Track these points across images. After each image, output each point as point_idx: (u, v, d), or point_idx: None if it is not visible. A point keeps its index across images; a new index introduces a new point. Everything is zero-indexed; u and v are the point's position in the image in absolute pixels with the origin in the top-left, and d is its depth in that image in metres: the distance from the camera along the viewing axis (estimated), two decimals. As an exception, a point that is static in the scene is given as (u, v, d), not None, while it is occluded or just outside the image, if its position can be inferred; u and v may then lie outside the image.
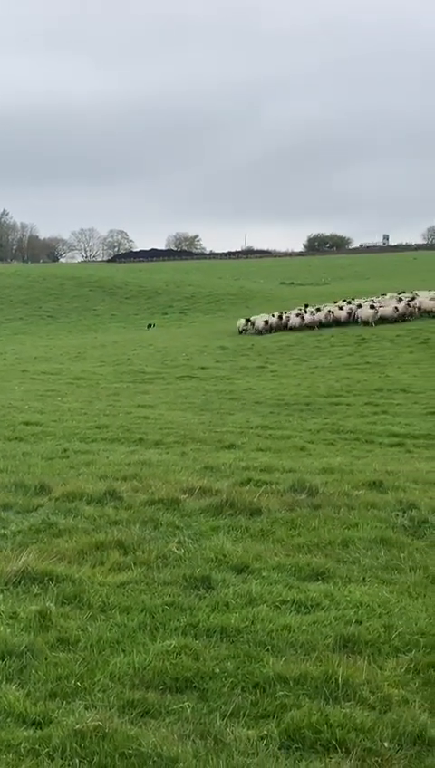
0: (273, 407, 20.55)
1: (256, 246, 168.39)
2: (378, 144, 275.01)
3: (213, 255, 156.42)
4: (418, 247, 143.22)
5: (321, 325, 41.78)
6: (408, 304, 41.47)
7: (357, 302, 45.88)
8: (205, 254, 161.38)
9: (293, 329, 42.45)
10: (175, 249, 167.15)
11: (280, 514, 8.66)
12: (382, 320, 40.29)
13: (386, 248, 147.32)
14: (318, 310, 44.10)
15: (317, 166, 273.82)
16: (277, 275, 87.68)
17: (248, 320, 45.07)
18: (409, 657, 5.36)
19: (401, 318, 40.30)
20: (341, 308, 43.27)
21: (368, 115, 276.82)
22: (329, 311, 42.98)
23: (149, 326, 55.72)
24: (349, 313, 42.04)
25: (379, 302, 43.84)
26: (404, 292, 48.17)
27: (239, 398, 22.49)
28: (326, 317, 42.29)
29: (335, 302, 47.50)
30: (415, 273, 79.42)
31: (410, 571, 6.95)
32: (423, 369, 28.24)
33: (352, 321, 41.39)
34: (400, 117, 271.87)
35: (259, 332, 43.06)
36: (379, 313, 40.49)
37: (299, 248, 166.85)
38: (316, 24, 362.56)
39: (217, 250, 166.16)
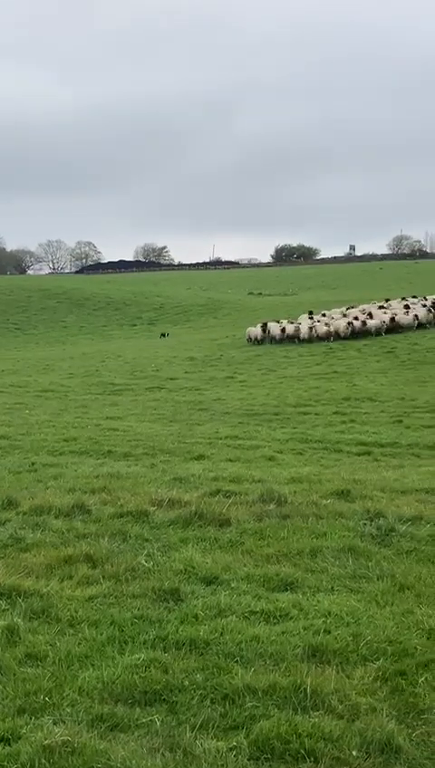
0: (242, 417, 20.60)
1: (225, 257, 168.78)
2: (345, 154, 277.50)
3: (181, 266, 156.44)
4: (383, 257, 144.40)
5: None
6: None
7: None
8: (173, 265, 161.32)
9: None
10: (143, 260, 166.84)
11: (249, 525, 8.68)
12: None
13: (352, 258, 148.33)
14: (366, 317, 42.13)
15: (284, 176, 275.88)
16: (246, 286, 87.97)
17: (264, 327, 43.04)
18: (377, 665, 5.40)
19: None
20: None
21: (336, 125, 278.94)
22: (382, 321, 41.23)
23: (163, 335, 54.47)
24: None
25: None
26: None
27: (208, 408, 22.51)
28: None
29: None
30: (381, 282, 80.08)
31: (378, 579, 7.00)
32: (390, 378, 28.52)
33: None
34: (367, 127, 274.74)
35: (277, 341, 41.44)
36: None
37: (267, 259, 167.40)
38: (285, 33, 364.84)
39: (186, 261, 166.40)
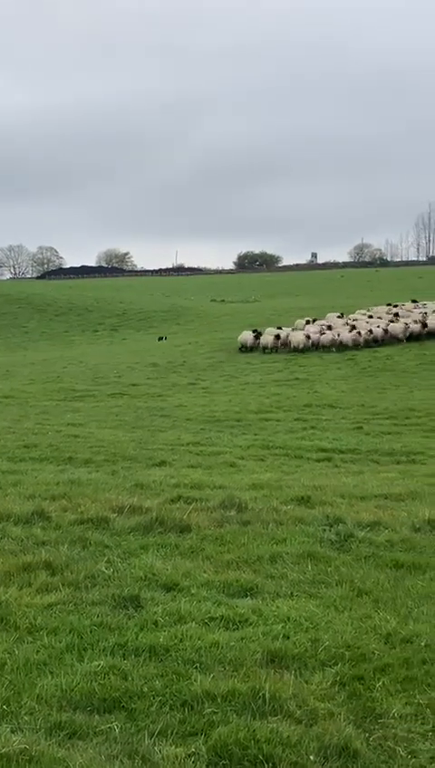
0: (204, 423, 20.62)
1: (187, 264, 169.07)
2: (306, 162, 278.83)
3: (144, 272, 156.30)
4: (345, 265, 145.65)
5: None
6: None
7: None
8: (136, 271, 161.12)
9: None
10: (106, 266, 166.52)
11: (209, 531, 8.70)
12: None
13: (314, 266, 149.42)
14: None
15: (246, 183, 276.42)
16: (208, 292, 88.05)
17: (278, 335, 40.43)
18: (335, 670, 5.44)
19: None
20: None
21: (297, 133, 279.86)
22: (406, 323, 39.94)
23: (160, 339, 53.11)
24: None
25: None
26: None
27: (170, 414, 22.50)
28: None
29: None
30: (342, 290, 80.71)
31: (337, 584, 7.05)
32: (350, 385, 28.76)
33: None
34: (328, 136, 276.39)
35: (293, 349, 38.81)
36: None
37: (230, 266, 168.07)
38: (246, 42, 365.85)
39: (148, 267, 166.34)
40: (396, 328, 39.99)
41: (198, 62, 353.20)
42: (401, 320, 41.70)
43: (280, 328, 42.39)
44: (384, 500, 10.36)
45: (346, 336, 38.94)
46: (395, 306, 47.65)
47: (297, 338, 39.60)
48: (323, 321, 44.25)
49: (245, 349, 41.39)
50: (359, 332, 38.88)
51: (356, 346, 38.17)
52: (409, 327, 39.81)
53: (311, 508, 9.67)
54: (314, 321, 44.78)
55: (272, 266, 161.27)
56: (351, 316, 45.62)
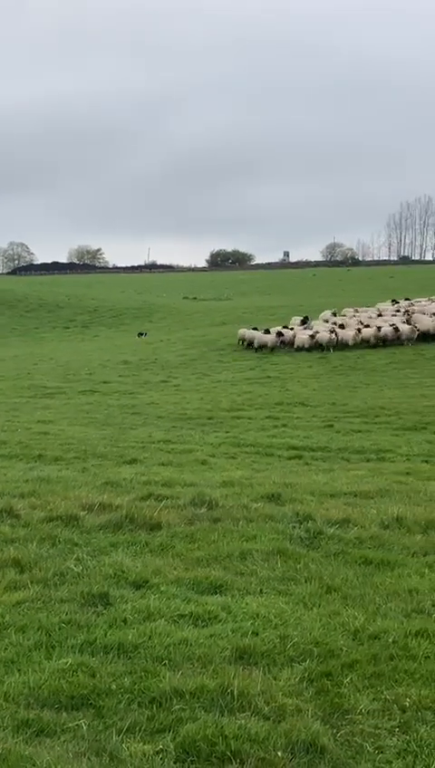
0: (175, 421, 20.63)
1: (160, 261, 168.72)
2: (279, 161, 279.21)
3: (116, 269, 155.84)
4: (317, 264, 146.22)
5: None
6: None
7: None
8: (108, 268, 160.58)
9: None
10: (77, 262, 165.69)
11: (180, 529, 8.69)
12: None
13: (287, 265, 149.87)
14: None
15: (220, 181, 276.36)
16: (181, 290, 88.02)
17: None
18: (303, 666, 5.46)
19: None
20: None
21: (269, 131, 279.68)
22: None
23: (141, 335, 52.10)
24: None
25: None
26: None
27: (142, 412, 22.48)
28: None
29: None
30: (314, 289, 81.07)
31: (306, 581, 7.08)
32: (322, 383, 28.91)
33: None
34: (300, 134, 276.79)
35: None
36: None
37: (202, 263, 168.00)
38: (219, 36, 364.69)
39: (121, 264, 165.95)
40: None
41: (171, 57, 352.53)
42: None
43: (290, 328, 41.82)
44: (354, 497, 10.42)
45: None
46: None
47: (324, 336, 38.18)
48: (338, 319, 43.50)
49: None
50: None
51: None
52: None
53: (281, 505, 9.69)
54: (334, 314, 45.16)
55: (244, 264, 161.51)
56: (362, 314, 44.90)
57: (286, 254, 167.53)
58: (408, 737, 4.63)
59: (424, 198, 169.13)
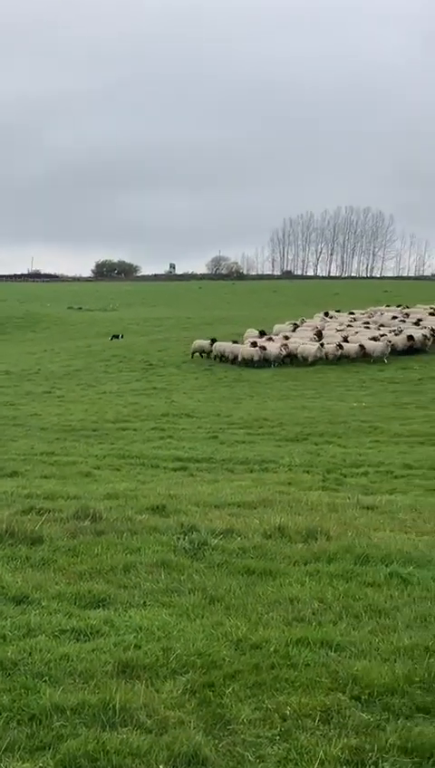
0: (59, 432, 20.33)
1: (44, 270, 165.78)
2: (165, 173, 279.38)
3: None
4: (203, 277, 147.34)
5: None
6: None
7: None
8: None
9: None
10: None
11: (62, 542, 8.55)
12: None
13: (172, 277, 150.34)
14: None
15: (104, 190, 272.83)
16: (65, 300, 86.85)
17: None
18: (185, 678, 5.46)
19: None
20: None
21: (158, 141, 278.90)
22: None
23: (115, 337, 49.58)
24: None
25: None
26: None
27: (24, 423, 22.04)
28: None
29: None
30: (200, 301, 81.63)
31: (190, 593, 7.09)
32: (207, 395, 29.12)
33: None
34: (188, 147, 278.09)
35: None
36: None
37: (88, 274, 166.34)
38: (106, 42, 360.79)
39: (2, 272, 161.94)
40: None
41: (56, 61, 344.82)
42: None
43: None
44: (238, 508, 10.53)
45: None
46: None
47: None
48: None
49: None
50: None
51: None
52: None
53: (166, 517, 9.69)
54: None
55: (130, 276, 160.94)
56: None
57: (172, 266, 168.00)
58: (288, 745, 4.69)
59: (306, 214, 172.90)
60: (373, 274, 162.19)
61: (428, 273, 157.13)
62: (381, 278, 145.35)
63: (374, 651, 5.82)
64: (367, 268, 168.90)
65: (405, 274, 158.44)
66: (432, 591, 7.10)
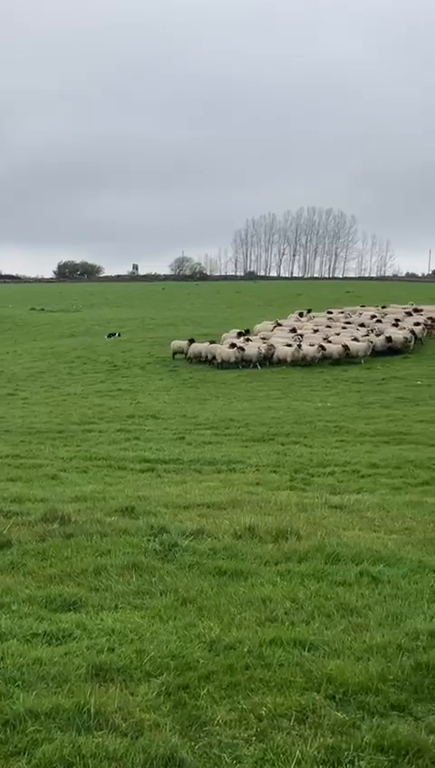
0: (24, 435, 20.13)
1: (5, 271, 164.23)
2: (128, 172, 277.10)
3: None
4: (166, 278, 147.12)
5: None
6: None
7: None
8: None
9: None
10: None
11: (31, 546, 8.47)
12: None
13: (136, 278, 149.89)
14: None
15: (65, 189, 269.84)
16: (27, 301, 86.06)
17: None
18: (160, 680, 5.44)
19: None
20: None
21: (119, 140, 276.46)
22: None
23: (111, 335, 48.92)
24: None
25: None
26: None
27: (-12, 426, 21.79)
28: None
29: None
30: (163, 302, 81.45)
31: (161, 594, 7.07)
32: (172, 396, 29.06)
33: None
34: (151, 147, 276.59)
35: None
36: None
37: (50, 274, 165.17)
38: (70, 37, 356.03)
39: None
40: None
41: (14, 60, 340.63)
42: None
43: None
44: (207, 508, 10.51)
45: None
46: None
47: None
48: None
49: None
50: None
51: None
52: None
53: (135, 519, 9.64)
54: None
55: (93, 276, 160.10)
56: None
57: (135, 266, 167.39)
58: (264, 745, 4.69)
59: (269, 216, 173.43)
60: (336, 275, 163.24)
61: (389, 273, 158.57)
62: (344, 279, 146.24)
63: (347, 650, 5.85)
64: (329, 269, 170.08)
65: (367, 275, 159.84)
66: (403, 590, 7.15)
